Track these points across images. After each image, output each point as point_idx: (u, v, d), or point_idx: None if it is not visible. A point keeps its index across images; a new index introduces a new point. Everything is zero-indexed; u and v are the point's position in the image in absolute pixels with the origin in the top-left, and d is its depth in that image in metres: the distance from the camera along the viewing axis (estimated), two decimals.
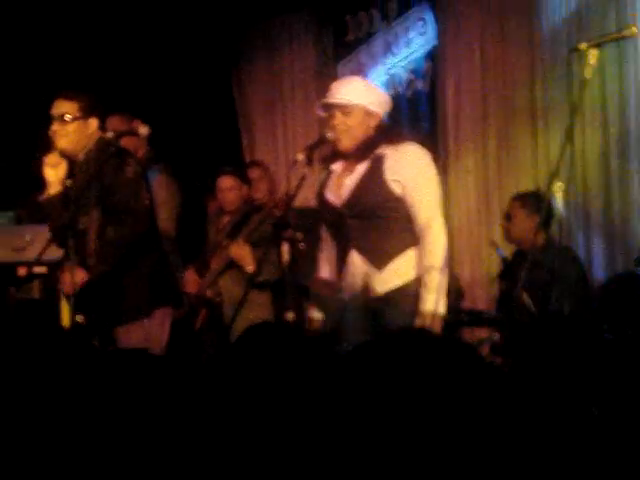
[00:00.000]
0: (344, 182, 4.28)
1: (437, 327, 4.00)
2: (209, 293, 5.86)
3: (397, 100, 4.97)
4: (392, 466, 1.53)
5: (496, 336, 5.21)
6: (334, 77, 7.15)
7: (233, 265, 5.72)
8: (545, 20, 6.49)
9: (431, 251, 4.11)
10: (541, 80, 6.50)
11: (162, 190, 5.82)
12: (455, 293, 5.69)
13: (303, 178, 4.18)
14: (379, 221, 4.19)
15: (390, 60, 7.36)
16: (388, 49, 7.38)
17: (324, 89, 4.64)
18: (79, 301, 4.49)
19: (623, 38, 4.10)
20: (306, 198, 5.14)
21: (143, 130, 4.68)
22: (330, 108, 4.28)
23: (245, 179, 5.98)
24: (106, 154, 4.55)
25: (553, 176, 3.85)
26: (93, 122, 4.65)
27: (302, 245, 4.54)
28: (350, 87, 4.31)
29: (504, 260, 5.68)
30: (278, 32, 8.10)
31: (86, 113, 4.63)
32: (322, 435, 1.69)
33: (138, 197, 4.57)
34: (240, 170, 6.17)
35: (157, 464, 1.95)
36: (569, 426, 2.40)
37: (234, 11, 7.73)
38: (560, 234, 5.45)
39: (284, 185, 6.18)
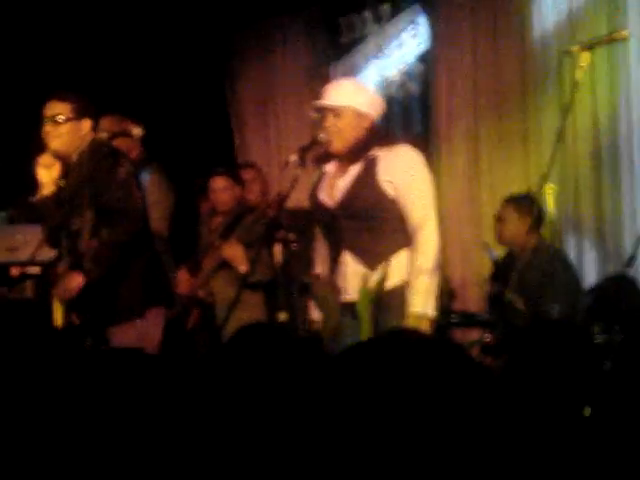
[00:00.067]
0: (337, 183, 4.29)
1: (426, 329, 4.00)
2: (201, 293, 5.87)
3: (389, 102, 4.98)
4: (382, 467, 1.54)
5: (487, 337, 5.22)
6: (327, 78, 7.16)
7: (225, 265, 5.73)
8: (537, 23, 6.51)
9: (422, 252, 4.12)
10: (533, 82, 6.52)
11: (155, 190, 5.81)
12: (446, 294, 5.70)
13: (296, 179, 4.19)
14: (372, 222, 4.19)
15: (382, 62, 7.38)
16: (380, 51, 7.40)
17: (317, 90, 4.66)
18: (72, 301, 4.50)
19: (614, 41, 4.12)
20: (299, 199, 5.15)
21: (136, 131, 4.70)
22: (322, 110, 4.29)
23: (238, 180, 5.98)
24: (99, 155, 4.56)
25: (544, 178, 3.87)
26: (86, 123, 4.65)
27: (295, 246, 4.55)
28: (340, 89, 4.33)
29: (495, 262, 5.69)
30: (272, 33, 8.11)
31: (79, 114, 4.62)
32: (312, 436, 1.70)
33: (131, 198, 4.57)
34: (233, 171, 6.17)
35: (150, 463, 1.95)
36: (560, 428, 2.41)
37: (228, 11, 7.73)
38: (551, 236, 5.47)
39: (277, 186, 6.20)
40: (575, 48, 3.91)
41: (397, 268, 4.18)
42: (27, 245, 5.36)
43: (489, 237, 6.02)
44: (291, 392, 2.01)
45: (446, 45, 7.00)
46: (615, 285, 5.01)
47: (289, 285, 5.01)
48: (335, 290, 4.27)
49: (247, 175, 6.27)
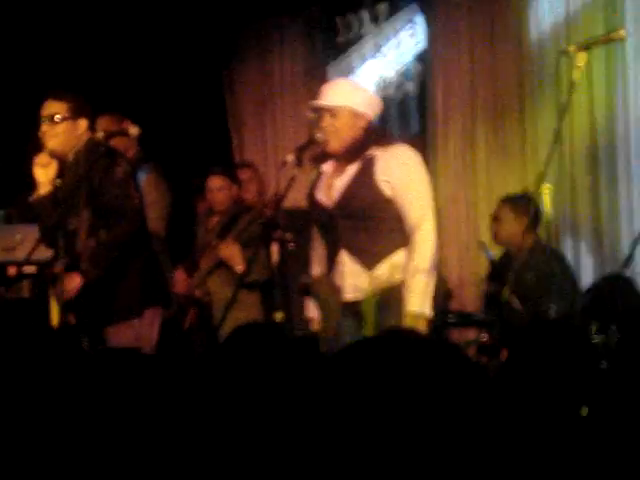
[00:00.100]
0: (335, 183, 4.29)
1: (422, 328, 4.01)
2: (198, 293, 5.86)
3: (386, 102, 4.98)
4: (378, 467, 1.54)
5: (484, 337, 5.22)
6: (324, 78, 7.17)
7: (222, 265, 5.73)
8: (534, 23, 6.51)
9: (419, 251, 4.12)
10: (530, 82, 6.52)
11: (152, 190, 5.81)
12: (443, 294, 5.70)
13: (293, 179, 4.19)
14: (369, 222, 4.20)
15: (380, 62, 7.38)
16: (378, 51, 7.40)
17: (314, 90, 4.66)
18: (70, 301, 4.50)
19: (611, 41, 4.12)
20: (296, 199, 5.15)
21: (133, 130, 4.69)
22: (319, 110, 4.30)
23: (235, 179, 5.98)
24: (96, 154, 4.56)
25: (541, 178, 3.87)
26: (82, 122, 4.65)
27: (291, 245, 4.54)
28: (337, 89, 4.34)
29: (492, 261, 5.69)
30: (269, 33, 8.11)
31: (75, 114, 4.63)
32: (308, 436, 1.70)
33: (128, 197, 4.57)
34: (230, 170, 6.17)
35: (147, 463, 1.95)
36: (557, 428, 2.41)
37: (226, 12, 7.73)
38: (548, 236, 5.46)
39: (274, 186, 6.20)
40: (572, 48, 3.91)
41: (394, 267, 4.18)
42: (24, 244, 5.35)
43: (486, 237, 6.02)
44: (287, 391, 2.01)
45: (443, 45, 7.00)
46: (612, 285, 5.01)
47: (286, 285, 5.01)
48: (335, 290, 4.28)
49: (244, 175, 6.27)
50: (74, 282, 4.48)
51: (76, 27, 7.21)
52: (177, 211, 6.23)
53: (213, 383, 2.13)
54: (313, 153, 4.41)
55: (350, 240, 4.21)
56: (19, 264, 5.49)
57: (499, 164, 6.70)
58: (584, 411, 2.63)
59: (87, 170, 4.51)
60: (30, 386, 2.22)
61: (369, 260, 4.19)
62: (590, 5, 6.17)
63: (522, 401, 2.57)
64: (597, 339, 4.09)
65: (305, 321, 4.52)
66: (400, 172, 4.19)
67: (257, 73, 8.20)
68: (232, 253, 5.65)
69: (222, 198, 5.86)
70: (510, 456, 1.71)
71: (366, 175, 4.21)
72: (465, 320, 5.90)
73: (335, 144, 4.25)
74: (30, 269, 5.47)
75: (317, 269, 4.46)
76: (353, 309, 4.22)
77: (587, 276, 6.07)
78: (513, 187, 6.28)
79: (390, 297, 4.14)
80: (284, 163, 4.25)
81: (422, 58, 7.15)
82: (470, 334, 5.85)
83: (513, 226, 5.45)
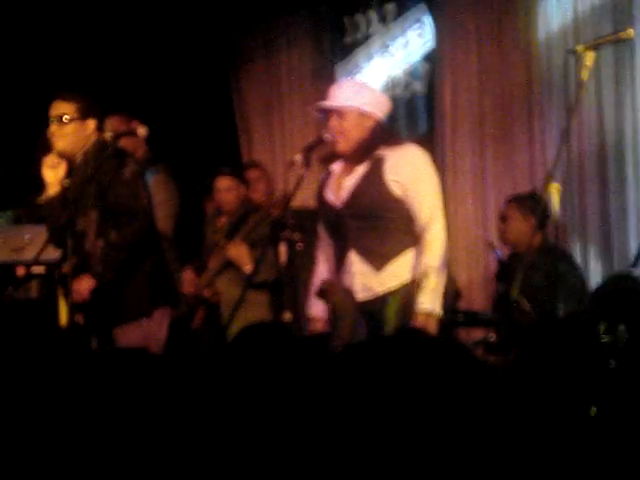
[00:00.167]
0: (344, 183, 4.29)
1: (433, 327, 4.01)
2: (206, 293, 5.87)
3: (394, 102, 4.97)
4: (386, 466, 1.54)
5: (492, 337, 5.22)
6: (332, 78, 7.18)
7: (230, 265, 5.74)
8: (542, 22, 6.50)
9: (430, 251, 4.13)
10: (538, 82, 6.51)
11: (160, 190, 5.82)
12: (452, 294, 5.70)
13: (301, 179, 4.19)
14: (378, 222, 4.20)
15: (388, 61, 7.38)
16: (386, 51, 7.39)
17: (322, 90, 4.66)
18: (79, 302, 4.50)
19: (620, 40, 4.11)
20: (304, 199, 5.16)
21: (142, 131, 4.69)
22: (327, 111, 4.30)
23: (243, 180, 5.99)
24: (104, 155, 4.57)
25: (549, 177, 3.87)
26: (91, 123, 4.66)
27: (300, 245, 4.54)
28: (344, 90, 4.33)
29: (500, 261, 5.68)
30: (277, 33, 8.11)
31: (84, 114, 4.63)
32: (316, 435, 1.70)
33: (137, 197, 4.57)
34: (238, 171, 6.17)
35: (155, 462, 1.96)
36: (565, 427, 2.41)
37: (233, 12, 7.74)
38: (556, 236, 5.45)
39: (282, 185, 6.20)
40: (580, 47, 3.91)
41: (403, 268, 4.19)
42: (33, 245, 5.37)
43: (494, 236, 6.02)
44: (294, 391, 2.01)
45: (451, 45, 6.99)
46: (620, 285, 5.00)
47: (294, 285, 5.01)
48: (349, 294, 4.27)
49: (252, 174, 6.27)
50: (87, 284, 4.48)
51: (84, 27, 7.22)
52: (185, 211, 6.24)
53: (221, 383, 2.13)
54: (321, 153, 4.41)
55: (359, 240, 4.22)
56: (28, 264, 5.50)
57: (507, 164, 6.69)
58: (593, 411, 2.63)
59: (96, 170, 4.52)
60: (39, 386, 2.22)
61: (378, 260, 4.19)
62: (598, 5, 6.16)
63: (530, 401, 2.57)
64: (605, 339, 4.08)
65: (307, 320, 4.51)
66: (409, 172, 4.19)
67: (265, 73, 8.21)
68: (240, 253, 5.66)
69: (230, 199, 5.86)
70: (518, 454, 1.71)
71: (375, 175, 4.21)
72: (473, 320, 5.89)
73: (343, 144, 4.25)
74: (39, 269, 5.49)
75: (323, 268, 4.45)
76: (363, 309, 4.23)
77: (595, 275, 6.06)
78: (522, 186, 6.27)
79: (397, 296, 4.15)
80: (292, 163, 4.25)
81: (430, 58, 7.15)
82: (478, 334, 5.84)
83: (521, 226, 5.44)
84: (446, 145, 7.01)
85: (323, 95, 4.39)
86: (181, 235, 6.11)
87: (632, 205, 6.05)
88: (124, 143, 5.00)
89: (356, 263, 4.22)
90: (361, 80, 6.59)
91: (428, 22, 7.13)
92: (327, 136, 4.27)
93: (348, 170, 4.30)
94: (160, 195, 5.69)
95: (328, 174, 4.41)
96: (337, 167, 4.37)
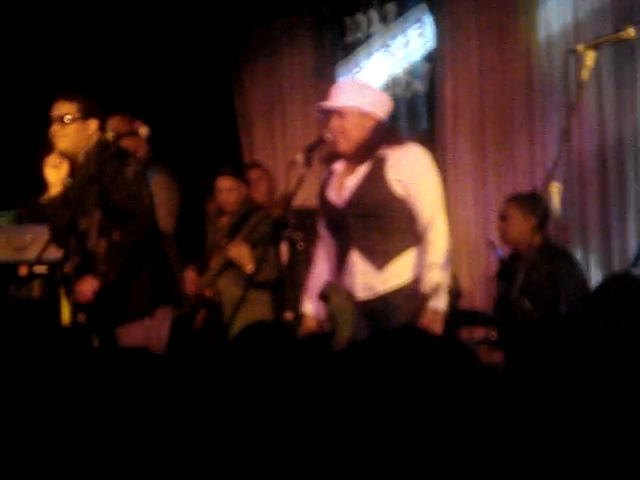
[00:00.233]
0: (346, 182, 4.29)
1: (438, 325, 4.02)
2: (208, 293, 5.88)
3: (395, 101, 4.98)
4: (387, 465, 1.55)
5: (493, 336, 5.23)
6: (333, 78, 7.19)
7: (232, 265, 5.74)
8: (543, 22, 6.51)
9: (433, 249, 4.13)
10: (538, 81, 6.52)
11: (161, 190, 5.82)
12: (453, 293, 5.71)
13: (302, 178, 4.20)
14: (380, 221, 4.21)
15: (388, 61, 7.38)
16: (386, 50, 7.40)
17: (323, 90, 4.67)
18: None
19: (620, 40, 4.11)
20: (305, 198, 5.16)
21: (143, 131, 4.71)
22: (328, 111, 4.31)
23: (244, 180, 5.99)
24: (106, 155, 4.57)
25: (550, 177, 3.87)
26: (92, 123, 4.67)
27: (301, 245, 4.56)
28: (344, 90, 4.34)
29: (502, 260, 5.68)
30: (278, 33, 8.12)
31: (85, 114, 4.64)
32: (317, 434, 1.71)
33: (139, 197, 4.58)
34: (239, 171, 6.18)
35: (157, 462, 1.96)
36: (566, 426, 2.41)
37: (234, 12, 7.74)
38: (556, 235, 5.46)
39: (283, 185, 6.21)
40: (581, 47, 3.91)
41: (405, 267, 4.20)
42: (35, 244, 5.38)
43: (495, 236, 6.02)
44: (296, 390, 2.02)
45: (452, 44, 7.00)
46: (620, 284, 5.01)
47: (296, 284, 5.02)
48: (349, 296, 4.27)
49: (253, 174, 6.27)
50: (90, 285, 4.49)
51: (87, 28, 7.23)
52: (187, 211, 6.24)
53: (223, 382, 2.14)
54: (323, 153, 4.42)
55: (361, 239, 4.22)
56: (30, 264, 5.51)
57: (507, 163, 6.70)
58: (592, 408, 2.64)
59: (97, 170, 4.53)
60: (41, 386, 2.23)
61: (380, 260, 4.20)
62: (599, 5, 6.17)
63: (530, 400, 2.57)
64: (606, 338, 4.09)
65: (300, 317, 4.51)
66: (411, 171, 4.20)
67: (266, 73, 8.21)
68: (241, 253, 5.66)
69: (231, 199, 5.87)
70: (518, 452, 1.72)
71: (377, 174, 4.22)
72: (475, 319, 5.90)
73: (344, 144, 4.26)
74: (41, 269, 5.50)
75: (322, 268, 4.45)
76: (365, 308, 4.23)
77: (595, 275, 6.07)
78: (522, 186, 6.28)
79: (399, 295, 4.16)
80: (293, 163, 4.26)
81: (431, 57, 7.15)
82: (480, 333, 5.85)
83: (521, 225, 5.43)
84: (447, 144, 7.01)
85: (324, 95, 4.39)
86: (183, 235, 6.11)
87: (632, 205, 6.05)
88: (126, 143, 5.01)
89: (358, 262, 4.22)
90: (362, 80, 6.59)
91: (429, 22, 7.14)
92: (328, 136, 4.28)
93: (350, 170, 4.31)
94: (161, 195, 5.69)
95: (330, 174, 4.41)
96: (339, 167, 4.37)
